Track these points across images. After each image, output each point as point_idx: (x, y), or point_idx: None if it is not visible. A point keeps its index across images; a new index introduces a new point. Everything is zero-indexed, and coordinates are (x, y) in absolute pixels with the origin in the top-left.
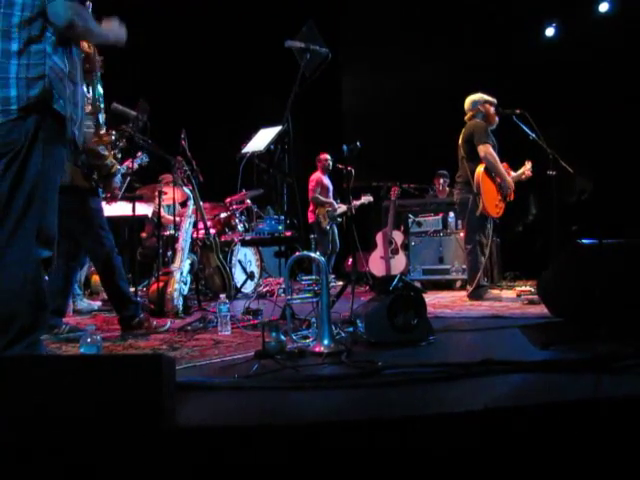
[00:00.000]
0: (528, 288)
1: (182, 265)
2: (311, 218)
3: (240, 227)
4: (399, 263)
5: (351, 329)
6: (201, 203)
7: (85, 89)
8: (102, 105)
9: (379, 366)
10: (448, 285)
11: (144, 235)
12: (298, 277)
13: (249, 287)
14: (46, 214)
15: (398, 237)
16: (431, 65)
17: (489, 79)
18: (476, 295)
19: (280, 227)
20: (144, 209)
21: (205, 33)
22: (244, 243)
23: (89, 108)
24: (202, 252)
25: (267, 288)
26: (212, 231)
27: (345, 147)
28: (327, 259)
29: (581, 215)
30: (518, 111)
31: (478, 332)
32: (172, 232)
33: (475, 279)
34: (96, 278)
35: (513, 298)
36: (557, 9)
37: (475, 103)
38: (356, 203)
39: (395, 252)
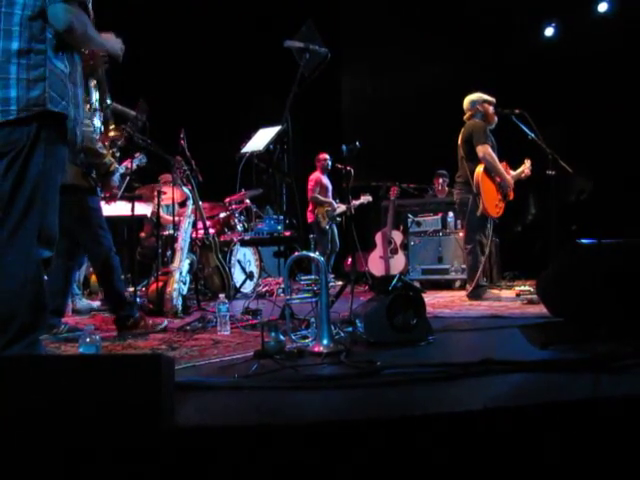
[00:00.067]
0: (527, 288)
1: (181, 265)
2: (310, 218)
3: (239, 227)
4: (398, 263)
5: (350, 329)
6: (200, 203)
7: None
8: (97, 112)
9: (378, 366)
10: (447, 285)
11: (143, 235)
12: (297, 277)
13: (248, 287)
14: (47, 214)
15: (397, 237)
16: (430, 65)
17: (488, 79)
18: (475, 295)
19: (279, 227)
20: (143, 209)
21: (204, 33)
22: (243, 243)
23: (87, 107)
24: (201, 252)
25: (266, 288)
26: (211, 231)
27: (344, 147)
28: (327, 259)
29: (580, 215)
30: (517, 111)
31: (477, 332)
32: (171, 232)
33: (475, 279)
34: (95, 278)
35: (512, 298)
36: (556, 9)
37: (474, 103)
38: (355, 203)
39: (394, 252)
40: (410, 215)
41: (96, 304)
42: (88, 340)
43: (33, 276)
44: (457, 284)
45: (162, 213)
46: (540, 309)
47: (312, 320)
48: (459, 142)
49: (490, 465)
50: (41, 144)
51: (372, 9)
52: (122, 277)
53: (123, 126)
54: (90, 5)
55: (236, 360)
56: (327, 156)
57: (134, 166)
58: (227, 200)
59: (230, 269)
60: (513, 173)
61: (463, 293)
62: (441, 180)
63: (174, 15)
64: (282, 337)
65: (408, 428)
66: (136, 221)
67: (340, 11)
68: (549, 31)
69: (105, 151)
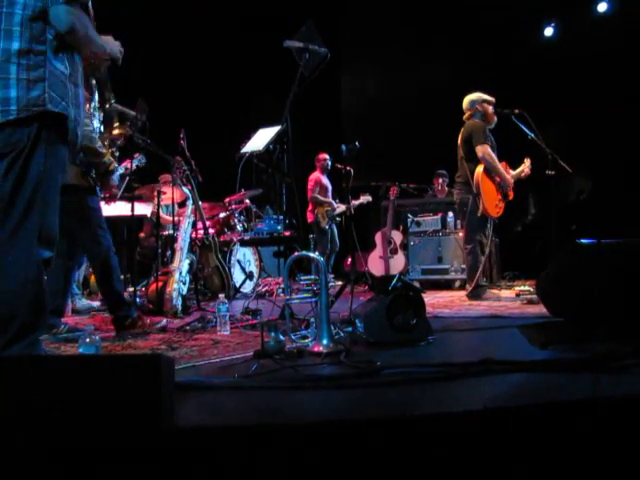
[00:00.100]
0: (527, 288)
1: (181, 265)
2: (310, 218)
3: (239, 227)
4: (398, 263)
5: (350, 329)
6: (200, 203)
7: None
8: (96, 112)
9: (378, 366)
10: (447, 285)
11: (142, 235)
12: (297, 277)
13: (248, 287)
14: (48, 214)
15: (397, 237)
16: (430, 65)
17: (488, 79)
18: (475, 295)
19: (279, 227)
20: (143, 209)
21: (204, 33)
22: (243, 243)
23: (91, 105)
24: (201, 252)
25: (266, 288)
26: (211, 231)
27: (344, 147)
28: (326, 259)
29: (580, 215)
30: (517, 111)
31: (477, 332)
32: (171, 232)
33: (474, 279)
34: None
35: (512, 298)
36: (556, 9)
37: (473, 102)
38: (355, 203)
39: (394, 252)
40: (410, 215)
41: (96, 304)
42: (88, 340)
43: (33, 276)
44: (457, 284)
45: (162, 213)
46: (540, 309)
47: (312, 320)
48: (459, 142)
49: (490, 465)
50: (42, 145)
51: (372, 9)
52: (121, 277)
53: (128, 122)
54: (90, 5)
55: (236, 360)
56: (327, 156)
57: (133, 166)
58: (227, 200)
59: (230, 269)
60: (513, 173)
61: (463, 293)
62: (441, 180)
63: (174, 15)
64: (282, 337)
65: (408, 428)
66: (136, 221)
67: (340, 11)
68: (549, 31)
69: (104, 150)
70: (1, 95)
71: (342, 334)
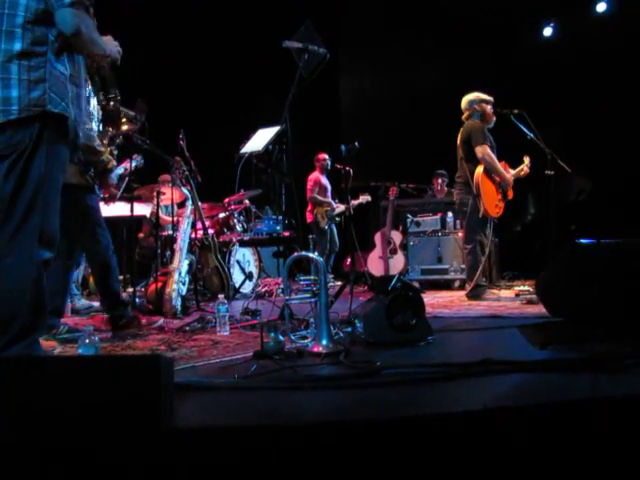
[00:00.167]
0: (526, 288)
1: (180, 265)
2: (309, 218)
3: (238, 227)
4: (398, 263)
5: (350, 329)
6: (199, 203)
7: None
8: (95, 111)
9: (378, 366)
10: (446, 285)
11: (141, 235)
12: (297, 277)
13: (248, 287)
14: (49, 215)
15: (397, 237)
16: (429, 65)
17: (487, 79)
18: (474, 295)
19: (278, 227)
20: (142, 209)
21: (203, 33)
22: (242, 243)
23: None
24: (200, 252)
25: (266, 288)
26: (210, 231)
27: (343, 147)
28: (326, 259)
29: (579, 215)
30: (516, 111)
31: (477, 332)
32: (170, 232)
33: (474, 279)
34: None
35: (511, 298)
36: (555, 9)
37: (471, 102)
38: (354, 203)
39: (394, 252)
40: (409, 215)
41: (95, 304)
42: (87, 341)
43: (34, 277)
44: (456, 284)
45: (161, 214)
46: (539, 309)
47: (311, 320)
48: (458, 143)
49: (490, 465)
50: (43, 145)
51: (371, 9)
52: (119, 277)
53: (137, 115)
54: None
55: (235, 360)
56: (326, 156)
57: (132, 167)
58: (226, 200)
59: (229, 269)
60: (512, 172)
61: (462, 293)
62: (440, 180)
63: (173, 15)
64: (281, 337)
65: (407, 428)
66: (135, 222)
67: (339, 11)
68: (548, 31)
69: (103, 149)
70: (3, 95)
71: (341, 334)
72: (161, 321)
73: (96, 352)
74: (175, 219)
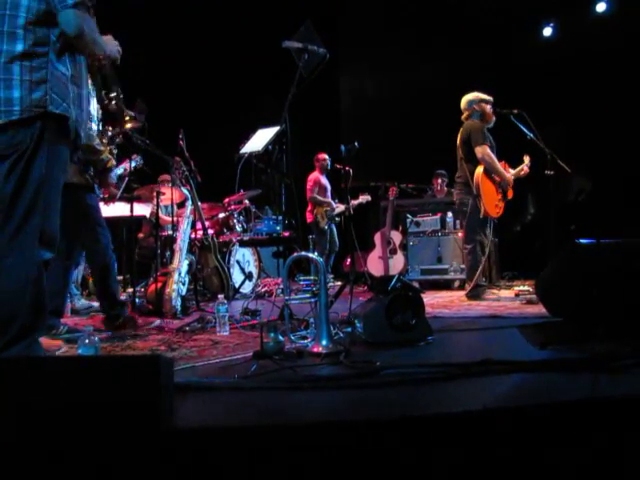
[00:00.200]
0: (526, 288)
1: (180, 265)
2: (309, 218)
3: (238, 227)
4: (397, 263)
5: (349, 329)
6: (199, 203)
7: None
8: (94, 109)
9: (377, 366)
10: (446, 285)
11: (141, 235)
12: (296, 277)
13: (247, 287)
14: (49, 216)
15: (396, 237)
16: (429, 65)
17: (487, 79)
18: (474, 295)
19: (278, 227)
20: (142, 209)
21: (203, 33)
22: (242, 243)
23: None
24: (200, 252)
25: (265, 288)
26: (210, 231)
27: (343, 147)
28: (326, 259)
29: (579, 215)
30: (516, 111)
31: (476, 332)
32: (170, 232)
33: (474, 279)
34: None
35: (511, 298)
36: (555, 9)
37: (471, 102)
38: (354, 203)
39: (393, 252)
40: (409, 215)
41: (95, 304)
42: (87, 341)
43: (35, 277)
44: (456, 284)
45: (161, 214)
46: (539, 309)
47: (311, 320)
48: (458, 143)
49: (489, 465)
50: (44, 146)
51: (371, 9)
52: (119, 277)
53: (136, 115)
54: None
55: (235, 361)
56: (326, 156)
57: (131, 167)
58: (226, 201)
59: (229, 269)
60: (512, 171)
61: (462, 293)
62: (440, 180)
63: (173, 15)
64: (281, 338)
65: (407, 429)
66: (135, 222)
67: (339, 11)
68: (547, 31)
69: (102, 148)
70: (5, 95)
71: (341, 334)
72: (158, 322)
73: (96, 352)
74: (175, 219)
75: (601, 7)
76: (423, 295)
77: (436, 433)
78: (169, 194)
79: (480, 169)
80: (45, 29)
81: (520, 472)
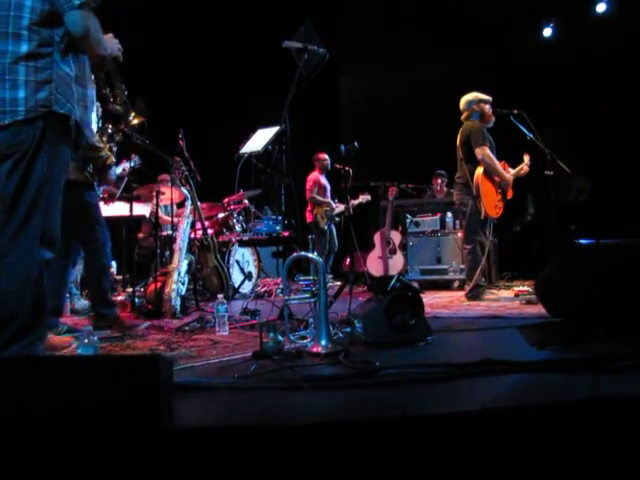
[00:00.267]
0: (526, 288)
1: (180, 265)
2: (309, 218)
3: (238, 227)
4: (397, 263)
5: (349, 329)
6: (199, 203)
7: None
8: (94, 107)
9: (377, 366)
10: (446, 285)
11: (141, 235)
12: (296, 277)
13: (247, 287)
14: (50, 215)
15: (396, 237)
16: (429, 65)
17: (487, 79)
18: (474, 295)
19: (278, 227)
20: (142, 209)
21: (203, 33)
22: (242, 243)
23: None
24: (200, 252)
25: (265, 288)
26: (210, 231)
27: (343, 147)
28: (325, 259)
29: (579, 215)
30: (516, 111)
31: (476, 332)
32: (169, 232)
33: (473, 279)
34: None
35: (511, 298)
36: (555, 9)
37: (470, 103)
38: (354, 203)
39: (393, 252)
40: (409, 215)
41: None
42: (86, 341)
43: (35, 277)
44: (456, 284)
45: (160, 213)
46: (538, 309)
47: (311, 320)
48: (457, 144)
49: (489, 465)
50: (45, 146)
51: (371, 9)
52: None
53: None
54: None
55: (235, 361)
56: (326, 156)
57: (128, 168)
58: (225, 200)
59: (229, 269)
60: (512, 171)
61: (462, 293)
62: (440, 180)
63: (173, 14)
64: (281, 337)
65: (407, 429)
66: (134, 221)
67: (338, 11)
68: (547, 31)
69: (102, 145)
70: (10, 96)
71: (341, 334)
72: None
73: (95, 352)
74: (174, 219)
75: (601, 7)
76: (422, 295)
77: (435, 433)
78: (169, 194)
79: (480, 170)
80: (49, 30)
81: (519, 472)
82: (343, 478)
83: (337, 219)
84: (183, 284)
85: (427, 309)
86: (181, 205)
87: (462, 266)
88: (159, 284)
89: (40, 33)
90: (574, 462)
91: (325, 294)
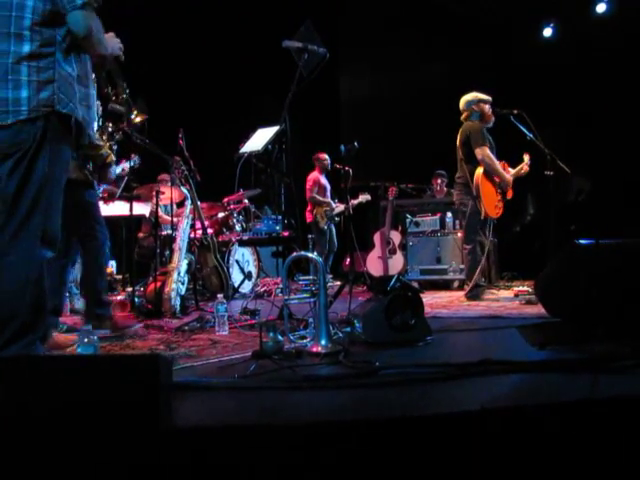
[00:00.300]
0: (525, 288)
1: (179, 265)
2: (309, 218)
3: (238, 227)
4: (397, 263)
5: (349, 329)
6: (199, 203)
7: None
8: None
9: (376, 366)
10: (445, 285)
11: (141, 235)
12: (296, 277)
13: (247, 287)
14: (51, 215)
15: (396, 237)
16: (429, 65)
17: (487, 79)
18: (473, 295)
19: (277, 227)
20: (141, 209)
21: (203, 32)
22: (242, 243)
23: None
24: (199, 252)
25: (265, 288)
26: (210, 231)
27: (343, 147)
28: (324, 259)
29: (579, 215)
30: (515, 111)
31: (475, 332)
32: (169, 232)
33: (473, 279)
34: None
35: (511, 298)
36: (555, 9)
37: (469, 103)
38: (354, 202)
39: (393, 252)
40: (408, 215)
41: None
42: (86, 340)
43: (36, 277)
44: (455, 284)
45: (160, 213)
46: (538, 309)
47: (310, 320)
48: (457, 144)
49: (488, 465)
50: (46, 145)
51: (371, 9)
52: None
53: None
54: None
55: (234, 360)
56: (326, 156)
57: (127, 168)
58: (225, 200)
59: (228, 269)
60: (512, 171)
61: (461, 293)
62: (439, 180)
63: (173, 14)
64: (280, 337)
65: (406, 428)
66: (134, 221)
67: (339, 11)
68: (548, 31)
69: (102, 143)
70: (13, 96)
71: (340, 334)
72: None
73: (95, 351)
74: (174, 219)
75: (601, 8)
76: (422, 295)
77: (435, 433)
78: (168, 193)
79: (480, 170)
80: (51, 30)
81: (519, 472)
82: (343, 478)
83: (337, 219)
84: (183, 284)
85: (427, 309)
86: (181, 205)
87: (462, 266)
88: (159, 284)
89: (42, 33)
90: (574, 462)
91: (325, 294)
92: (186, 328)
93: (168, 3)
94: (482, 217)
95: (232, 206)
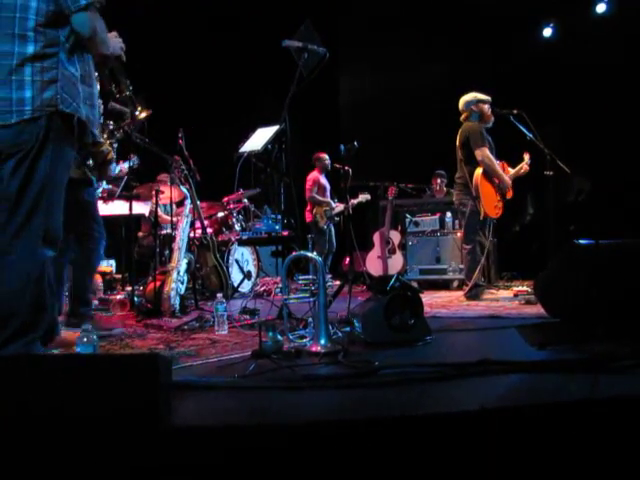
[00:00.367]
0: (525, 288)
1: (179, 264)
2: (308, 218)
3: (237, 226)
4: (396, 263)
5: (348, 329)
6: (198, 202)
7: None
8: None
9: (376, 366)
10: (445, 285)
11: (141, 234)
12: (295, 277)
13: (246, 287)
14: (53, 215)
15: (395, 237)
16: (429, 65)
17: (487, 79)
18: (473, 295)
19: (277, 226)
20: (141, 208)
21: (203, 32)
22: (241, 242)
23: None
24: (199, 251)
25: (264, 288)
26: (209, 230)
27: (342, 147)
28: (324, 259)
29: (578, 215)
30: (515, 111)
31: (475, 332)
32: (169, 231)
33: (473, 279)
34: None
35: (510, 298)
36: (555, 9)
37: (468, 104)
38: (354, 202)
39: (392, 252)
40: (408, 215)
41: (95, 302)
42: (85, 340)
43: (37, 276)
44: (455, 284)
45: (160, 212)
46: (538, 309)
47: (310, 320)
48: (457, 144)
49: (487, 466)
50: (49, 145)
51: (371, 9)
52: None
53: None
54: None
55: (234, 360)
56: (327, 155)
57: (126, 168)
58: (225, 200)
59: (228, 269)
60: (512, 171)
61: (461, 293)
62: (439, 180)
63: (173, 14)
64: (280, 337)
65: (405, 428)
66: (134, 220)
67: (339, 10)
68: (548, 31)
69: (102, 140)
70: (17, 96)
71: (340, 334)
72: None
73: (94, 351)
74: (174, 218)
75: (601, 8)
76: (422, 295)
77: (434, 433)
78: (168, 193)
79: (479, 170)
80: (54, 30)
81: (519, 472)
82: (342, 477)
83: (337, 219)
84: (182, 283)
85: (426, 309)
86: (180, 204)
87: (461, 266)
88: (158, 283)
89: (45, 34)
90: (574, 462)
91: (324, 293)
92: (185, 327)
93: (168, 3)
94: (482, 217)
95: (232, 205)
